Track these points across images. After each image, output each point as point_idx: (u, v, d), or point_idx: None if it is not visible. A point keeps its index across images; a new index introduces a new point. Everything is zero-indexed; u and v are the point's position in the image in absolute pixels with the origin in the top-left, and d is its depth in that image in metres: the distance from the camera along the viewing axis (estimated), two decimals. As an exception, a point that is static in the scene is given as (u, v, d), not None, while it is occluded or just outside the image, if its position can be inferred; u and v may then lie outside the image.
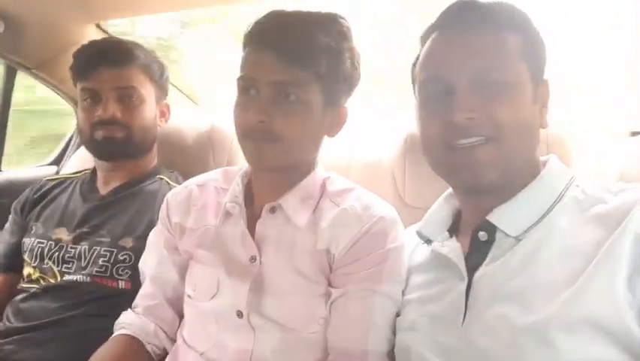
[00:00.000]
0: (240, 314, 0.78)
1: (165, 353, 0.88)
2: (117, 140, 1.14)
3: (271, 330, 0.77)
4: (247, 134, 0.77)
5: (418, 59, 0.75)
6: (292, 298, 0.77)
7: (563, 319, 0.54)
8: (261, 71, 0.74)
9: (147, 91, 1.19)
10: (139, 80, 1.17)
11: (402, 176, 1.18)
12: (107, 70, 1.13)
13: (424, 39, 0.74)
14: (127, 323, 0.88)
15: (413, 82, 0.77)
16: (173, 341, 0.88)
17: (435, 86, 0.69)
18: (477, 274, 0.66)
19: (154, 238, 0.96)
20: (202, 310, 0.83)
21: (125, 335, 0.86)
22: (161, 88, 1.25)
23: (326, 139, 0.86)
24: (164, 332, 0.89)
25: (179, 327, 0.90)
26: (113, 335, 0.88)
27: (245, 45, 0.79)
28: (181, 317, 0.90)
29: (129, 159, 1.19)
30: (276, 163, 0.78)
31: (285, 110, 0.74)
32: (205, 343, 0.81)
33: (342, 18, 0.80)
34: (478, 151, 0.64)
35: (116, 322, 0.90)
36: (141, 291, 0.93)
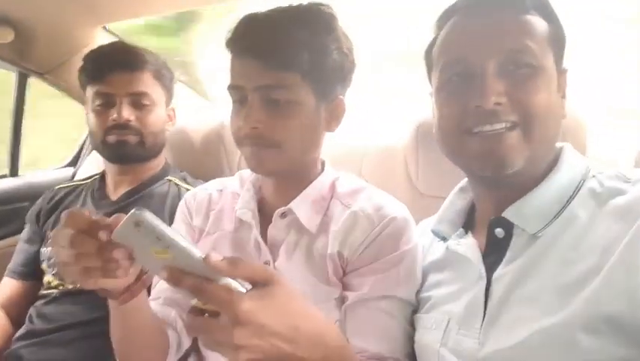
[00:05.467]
0: None
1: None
2: (130, 144, 1.15)
3: None
4: (243, 142, 0.76)
5: (433, 43, 0.72)
6: None
7: (584, 319, 0.52)
8: (245, 79, 0.73)
9: (158, 96, 1.20)
10: (151, 85, 1.18)
11: (415, 164, 1.16)
12: (120, 74, 1.14)
13: (440, 23, 0.70)
14: None
15: (428, 68, 0.74)
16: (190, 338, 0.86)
17: (457, 69, 0.65)
18: (495, 275, 0.63)
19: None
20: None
21: None
22: (170, 93, 1.27)
23: (334, 132, 0.83)
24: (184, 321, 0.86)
25: None
26: None
27: (229, 52, 0.77)
28: None
29: (139, 163, 1.21)
30: (276, 167, 0.77)
31: (276, 114, 0.73)
32: None
33: (324, 5, 0.77)
34: (505, 138, 0.61)
35: None
36: (162, 285, 0.89)
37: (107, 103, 1.15)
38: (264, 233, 0.82)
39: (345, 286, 0.77)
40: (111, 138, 1.15)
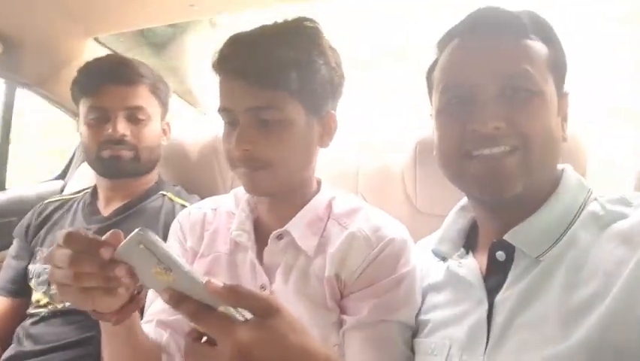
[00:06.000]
0: None
1: None
2: (124, 159, 1.13)
3: None
4: (236, 164, 0.76)
5: (434, 65, 0.72)
6: None
7: (591, 347, 0.51)
8: (234, 101, 0.73)
9: (154, 110, 1.19)
10: (147, 99, 1.16)
11: (413, 182, 1.15)
12: (116, 88, 1.12)
13: (441, 45, 0.71)
14: None
15: (429, 89, 0.74)
16: None
17: (457, 93, 0.65)
18: (497, 299, 0.62)
19: None
20: None
21: None
22: (166, 107, 1.25)
23: (333, 147, 0.82)
24: (177, 345, 0.83)
25: None
26: None
27: (216, 75, 0.76)
28: None
29: (133, 178, 1.18)
30: (270, 188, 0.76)
31: (268, 135, 0.72)
32: None
33: (308, 20, 0.77)
34: (504, 162, 0.61)
35: None
36: (154, 307, 0.87)
37: (101, 117, 1.13)
38: (259, 255, 0.80)
39: (342, 310, 0.76)
40: (105, 153, 1.13)
